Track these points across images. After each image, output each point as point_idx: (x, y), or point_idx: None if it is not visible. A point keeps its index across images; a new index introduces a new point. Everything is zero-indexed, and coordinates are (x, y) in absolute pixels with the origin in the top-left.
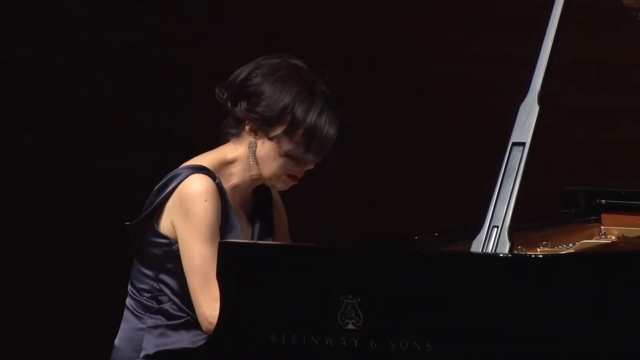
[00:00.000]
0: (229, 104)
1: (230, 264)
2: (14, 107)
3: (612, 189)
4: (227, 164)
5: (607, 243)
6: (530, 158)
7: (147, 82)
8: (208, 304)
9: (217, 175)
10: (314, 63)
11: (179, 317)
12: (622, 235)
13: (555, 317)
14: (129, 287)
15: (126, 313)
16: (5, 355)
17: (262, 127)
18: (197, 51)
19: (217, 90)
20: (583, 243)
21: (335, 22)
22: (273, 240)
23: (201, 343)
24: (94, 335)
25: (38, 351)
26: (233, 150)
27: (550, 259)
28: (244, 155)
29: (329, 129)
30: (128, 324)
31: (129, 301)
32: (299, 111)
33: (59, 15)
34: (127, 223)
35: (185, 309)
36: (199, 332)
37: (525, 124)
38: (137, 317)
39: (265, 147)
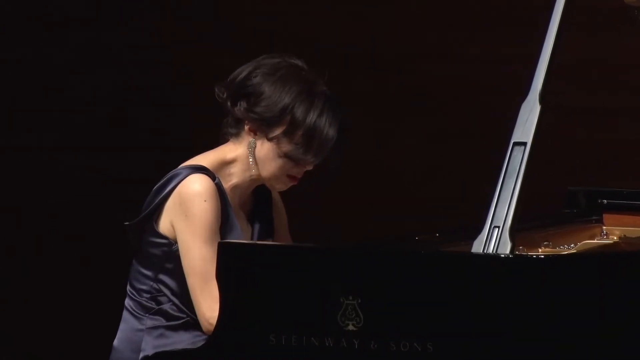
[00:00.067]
0: (229, 103)
1: (230, 264)
2: (14, 107)
3: (613, 189)
4: (226, 163)
5: (608, 243)
6: (531, 158)
7: (147, 82)
8: (208, 305)
9: (216, 175)
10: (314, 63)
11: (178, 318)
12: (624, 235)
13: (557, 317)
14: (128, 287)
15: (125, 314)
16: (5, 355)
17: (262, 128)
18: (197, 51)
19: (216, 90)
20: (585, 243)
21: (335, 22)
22: (273, 241)
23: (200, 344)
24: (93, 336)
25: (38, 351)
26: (232, 150)
27: (552, 260)
28: (243, 155)
29: (329, 130)
30: (127, 324)
31: (127, 302)
32: (299, 112)
33: (59, 15)
34: (126, 223)
35: (185, 309)
36: (199, 332)
37: (527, 123)
38: (136, 317)
39: (264, 148)
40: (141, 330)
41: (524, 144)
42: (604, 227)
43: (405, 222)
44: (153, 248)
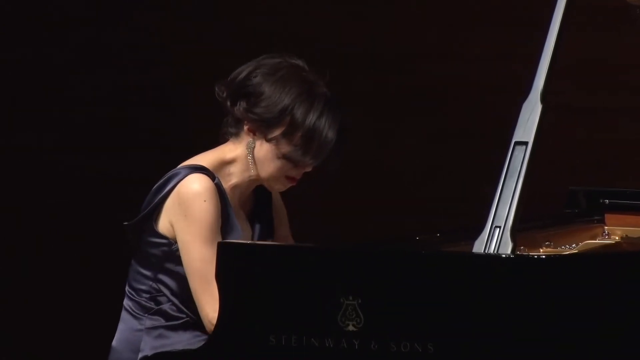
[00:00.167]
0: (228, 103)
1: (230, 264)
2: (14, 107)
3: (615, 189)
4: (226, 163)
5: (610, 243)
6: (532, 157)
7: (147, 82)
8: (211, 306)
9: (216, 175)
10: (314, 63)
11: (177, 318)
12: (626, 235)
13: (559, 318)
14: (127, 288)
15: (124, 314)
16: (5, 355)
17: (261, 128)
18: (197, 51)
19: (216, 89)
20: (586, 243)
21: (335, 22)
22: (273, 241)
23: (199, 344)
24: (93, 336)
25: (38, 351)
26: (232, 150)
27: (553, 260)
28: (242, 156)
29: (328, 132)
30: (126, 325)
31: (126, 302)
32: (298, 113)
33: (59, 15)
34: (125, 223)
35: (185, 309)
36: (198, 332)
37: (528, 122)
38: (135, 317)
39: (263, 149)
40: (140, 330)
41: (526, 143)
42: (606, 227)
43: (405, 222)
44: (152, 248)
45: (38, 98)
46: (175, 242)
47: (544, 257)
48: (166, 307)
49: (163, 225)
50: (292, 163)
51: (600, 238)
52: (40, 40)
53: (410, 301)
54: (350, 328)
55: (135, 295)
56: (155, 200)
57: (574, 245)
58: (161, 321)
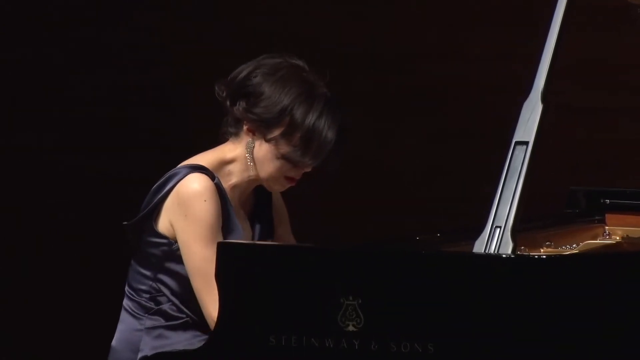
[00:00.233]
0: (228, 102)
1: (230, 264)
2: (14, 107)
3: (616, 189)
4: (225, 163)
5: (611, 243)
6: (533, 157)
7: (147, 82)
8: (214, 305)
9: (215, 175)
10: (314, 63)
11: (177, 318)
12: (627, 235)
13: (560, 318)
14: (126, 288)
15: (123, 314)
16: (5, 355)
17: (260, 129)
18: (197, 51)
19: (216, 88)
20: (587, 243)
21: (335, 22)
22: (273, 241)
23: (199, 344)
24: (93, 336)
25: (38, 351)
26: (232, 149)
27: (554, 260)
28: (242, 155)
29: (328, 133)
30: (125, 325)
31: (126, 302)
32: (298, 114)
33: (59, 15)
34: (125, 223)
35: (185, 309)
36: (198, 332)
37: (529, 122)
38: (135, 317)
39: (262, 149)
40: (140, 330)
41: (526, 143)
42: (607, 227)
43: (405, 222)
44: (152, 248)
45: (38, 98)
46: (175, 241)
47: (544, 257)
48: (166, 307)
49: (163, 225)
50: (291, 163)
51: (600, 238)
52: (40, 40)
53: (411, 301)
54: (351, 328)
55: (135, 295)
56: (155, 200)
57: (574, 245)
58: (161, 321)
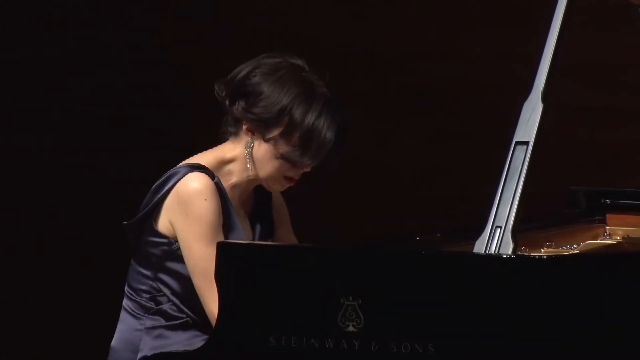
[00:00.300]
0: (227, 102)
1: (230, 264)
2: (14, 107)
3: (617, 189)
4: (225, 162)
5: (611, 244)
6: (534, 157)
7: (147, 82)
8: (216, 304)
9: (215, 174)
10: (314, 63)
11: (177, 318)
12: (627, 235)
13: (560, 318)
14: (126, 288)
15: (123, 314)
16: (5, 355)
17: (259, 128)
18: (197, 51)
19: (216, 87)
20: (587, 244)
21: (335, 22)
22: (273, 240)
23: (199, 344)
24: (93, 336)
25: (38, 351)
26: (231, 149)
27: (555, 260)
28: (241, 155)
29: (327, 133)
30: (125, 325)
31: (126, 302)
32: (297, 113)
33: (59, 15)
34: (125, 223)
35: (185, 309)
36: (198, 332)
37: (529, 122)
38: (135, 317)
39: (261, 149)
40: (140, 330)
41: (527, 143)
42: (607, 227)
43: (405, 222)
44: (152, 247)
45: (38, 98)
46: (176, 241)
47: (545, 257)
48: (166, 307)
49: (163, 224)
50: (290, 163)
51: (601, 238)
52: (40, 40)
53: (411, 302)
54: (351, 329)
55: (135, 295)
56: (155, 200)
57: (575, 245)
58: (161, 321)
